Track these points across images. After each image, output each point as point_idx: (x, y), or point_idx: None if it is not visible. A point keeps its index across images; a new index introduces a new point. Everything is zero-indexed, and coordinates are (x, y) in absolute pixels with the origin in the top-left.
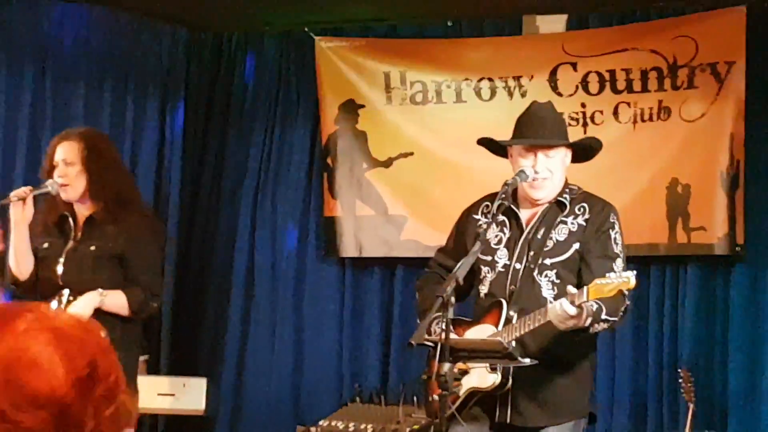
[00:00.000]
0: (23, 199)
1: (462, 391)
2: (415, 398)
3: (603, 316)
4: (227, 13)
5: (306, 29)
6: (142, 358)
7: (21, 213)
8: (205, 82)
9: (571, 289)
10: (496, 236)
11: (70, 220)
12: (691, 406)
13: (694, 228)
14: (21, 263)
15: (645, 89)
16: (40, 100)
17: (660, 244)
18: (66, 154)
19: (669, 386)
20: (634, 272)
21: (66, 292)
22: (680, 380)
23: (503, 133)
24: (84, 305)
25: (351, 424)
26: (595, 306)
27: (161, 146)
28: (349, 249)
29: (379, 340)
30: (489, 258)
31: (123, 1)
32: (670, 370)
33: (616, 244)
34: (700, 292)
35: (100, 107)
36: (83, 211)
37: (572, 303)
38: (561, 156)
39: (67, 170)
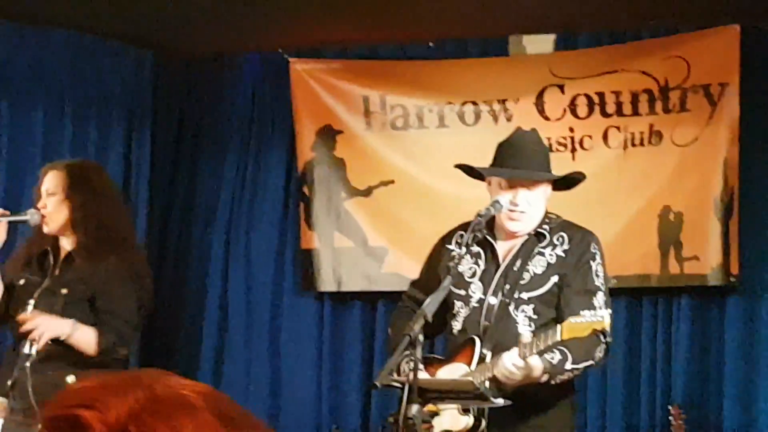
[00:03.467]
0: None
1: None
2: None
3: (569, 366)
4: (197, 35)
5: (280, 50)
6: None
7: None
8: (174, 107)
9: (524, 338)
10: (471, 269)
11: (51, 256)
12: None
13: (687, 258)
14: None
15: (636, 113)
16: None
17: (652, 275)
18: (48, 183)
19: (662, 423)
20: (609, 311)
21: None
22: (671, 417)
23: (488, 160)
24: (52, 328)
25: None
26: (557, 357)
27: (127, 175)
28: (327, 283)
29: (359, 378)
30: (463, 292)
31: (84, 23)
32: (664, 407)
33: (597, 276)
34: (694, 324)
35: (61, 134)
36: (66, 246)
37: (522, 356)
38: (543, 188)
39: (48, 200)
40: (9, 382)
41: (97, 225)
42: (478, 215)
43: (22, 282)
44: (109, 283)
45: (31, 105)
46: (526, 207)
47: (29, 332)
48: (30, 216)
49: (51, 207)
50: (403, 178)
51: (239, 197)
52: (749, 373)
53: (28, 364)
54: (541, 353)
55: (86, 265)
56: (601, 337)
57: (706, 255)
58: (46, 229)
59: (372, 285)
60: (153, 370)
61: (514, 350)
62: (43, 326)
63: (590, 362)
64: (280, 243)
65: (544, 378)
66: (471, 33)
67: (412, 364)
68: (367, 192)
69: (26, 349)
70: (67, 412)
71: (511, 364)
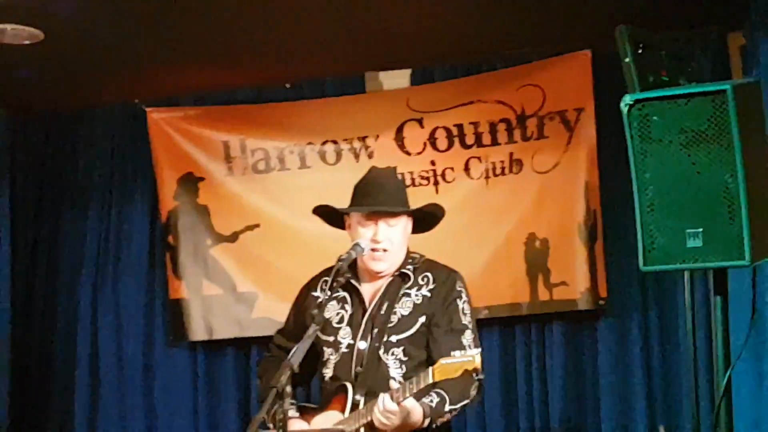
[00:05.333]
0: None
1: None
2: None
3: (447, 408)
4: (52, 90)
5: (137, 101)
6: None
7: None
8: (33, 164)
9: (393, 384)
10: (338, 314)
11: None
12: None
13: (555, 284)
14: None
15: (495, 142)
16: None
17: (522, 303)
18: None
19: None
20: (479, 350)
21: None
22: None
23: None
24: None
25: None
26: (436, 400)
27: None
28: (198, 332)
29: (236, 427)
30: (331, 338)
31: None
32: None
33: (465, 314)
34: (567, 349)
35: None
36: None
37: (395, 400)
38: (402, 225)
39: None
40: None
41: None
42: (339, 260)
43: None
44: None
45: None
46: (388, 244)
47: None
48: None
49: None
50: (268, 222)
51: (104, 251)
52: (625, 394)
53: None
54: (417, 397)
55: None
56: (474, 375)
57: (574, 280)
58: None
59: (244, 331)
60: None
61: (386, 395)
62: None
63: (466, 401)
64: (149, 294)
65: (426, 422)
66: (327, 72)
67: (281, 417)
68: (233, 237)
69: None
70: None
71: (383, 409)
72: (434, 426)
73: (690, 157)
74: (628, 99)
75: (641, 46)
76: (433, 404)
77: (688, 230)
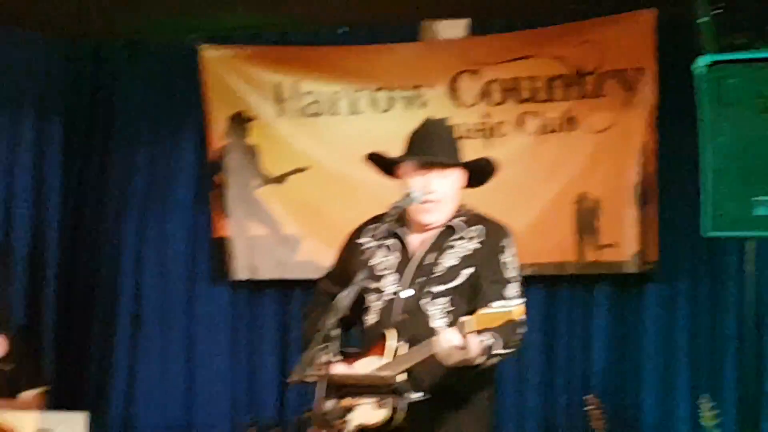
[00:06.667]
0: None
1: (349, 430)
2: None
3: (496, 351)
4: (106, 22)
5: (192, 37)
6: (38, 390)
7: None
8: (85, 96)
9: (462, 318)
10: (383, 262)
11: None
12: None
13: (603, 245)
14: None
15: (550, 98)
16: None
17: (568, 263)
18: None
19: (580, 413)
20: (523, 300)
21: None
22: (586, 408)
23: (401, 146)
24: None
25: None
26: (491, 341)
27: (40, 164)
28: (241, 271)
29: (275, 368)
30: (375, 285)
31: None
32: (582, 395)
33: (509, 268)
34: (611, 312)
35: None
36: None
37: (461, 333)
38: (455, 177)
39: None
40: None
41: None
42: (393, 207)
43: None
44: None
45: None
46: (440, 195)
47: None
48: None
49: None
50: (316, 165)
51: (151, 186)
52: (668, 361)
53: None
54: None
55: None
56: (521, 325)
57: (623, 242)
58: None
59: (286, 273)
60: None
61: (452, 328)
62: None
63: (511, 350)
64: (193, 232)
65: (480, 359)
66: (382, 18)
67: (326, 360)
68: (281, 179)
69: None
70: None
71: (447, 341)
72: (482, 367)
73: (765, 123)
74: (703, 60)
75: (720, 6)
76: (488, 343)
77: (755, 198)
